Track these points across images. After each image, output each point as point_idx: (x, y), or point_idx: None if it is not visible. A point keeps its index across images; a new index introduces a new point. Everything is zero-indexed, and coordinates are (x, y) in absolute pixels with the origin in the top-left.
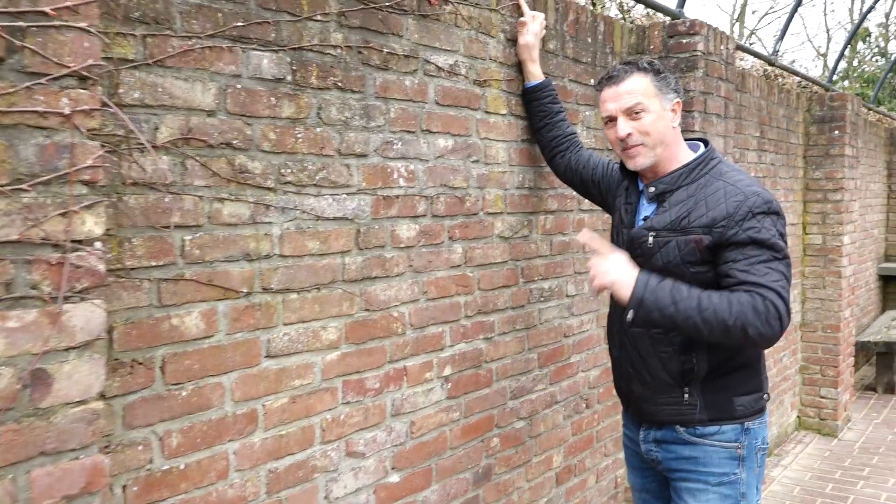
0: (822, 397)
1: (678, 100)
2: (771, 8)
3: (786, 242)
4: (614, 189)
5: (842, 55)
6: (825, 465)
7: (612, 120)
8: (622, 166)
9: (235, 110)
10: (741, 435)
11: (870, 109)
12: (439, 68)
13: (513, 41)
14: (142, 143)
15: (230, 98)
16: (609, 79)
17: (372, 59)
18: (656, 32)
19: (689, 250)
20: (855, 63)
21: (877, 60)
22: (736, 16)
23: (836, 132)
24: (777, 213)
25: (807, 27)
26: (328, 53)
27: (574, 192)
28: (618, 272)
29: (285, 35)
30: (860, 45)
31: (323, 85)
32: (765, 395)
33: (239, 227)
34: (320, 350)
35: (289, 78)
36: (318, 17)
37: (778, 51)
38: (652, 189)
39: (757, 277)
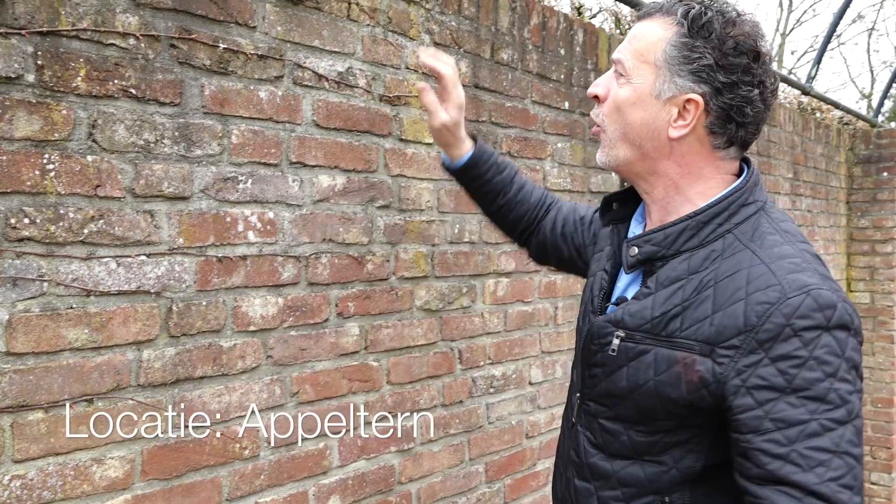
0: (872, 483)
1: (694, 96)
2: (811, 47)
3: (860, 379)
4: (595, 240)
5: (889, 88)
6: None
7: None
8: (606, 204)
9: None
10: None
11: None
12: (320, 76)
13: (443, 45)
14: None
15: None
16: (644, 8)
17: (196, 58)
18: None
19: (671, 378)
20: None
21: None
22: (774, 55)
23: (885, 174)
24: (846, 328)
25: (849, 67)
26: (111, 44)
27: None
28: None
29: (21, 12)
30: None
31: (101, 91)
32: None
33: None
34: (91, 496)
35: (29, 77)
36: None
37: (813, 77)
38: (633, 251)
39: (800, 474)
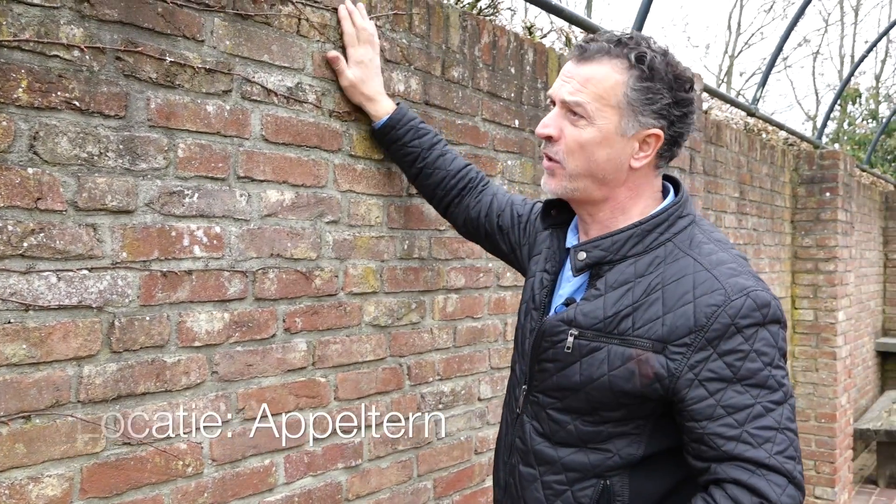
0: (816, 497)
1: (656, 131)
2: (758, 69)
3: (786, 361)
4: (531, 241)
5: (831, 110)
6: None
7: (552, 104)
8: (545, 208)
9: None
10: None
11: (863, 171)
12: (269, 91)
13: (394, 62)
14: None
15: None
16: (579, 49)
17: (142, 71)
18: None
19: (625, 373)
20: (846, 125)
21: (868, 122)
22: (723, 76)
23: (828, 194)
24: (777, 322)
25: (795, 89)
26: (55, 56)
27: (492, 264)
28: None
29: None
30: (850, 107)
31: (43, 103)
32: None
33: None
34: None
35: None
36: (36, 1)
37: (759, 98)
38: (582, 255)
39: (752, 451)
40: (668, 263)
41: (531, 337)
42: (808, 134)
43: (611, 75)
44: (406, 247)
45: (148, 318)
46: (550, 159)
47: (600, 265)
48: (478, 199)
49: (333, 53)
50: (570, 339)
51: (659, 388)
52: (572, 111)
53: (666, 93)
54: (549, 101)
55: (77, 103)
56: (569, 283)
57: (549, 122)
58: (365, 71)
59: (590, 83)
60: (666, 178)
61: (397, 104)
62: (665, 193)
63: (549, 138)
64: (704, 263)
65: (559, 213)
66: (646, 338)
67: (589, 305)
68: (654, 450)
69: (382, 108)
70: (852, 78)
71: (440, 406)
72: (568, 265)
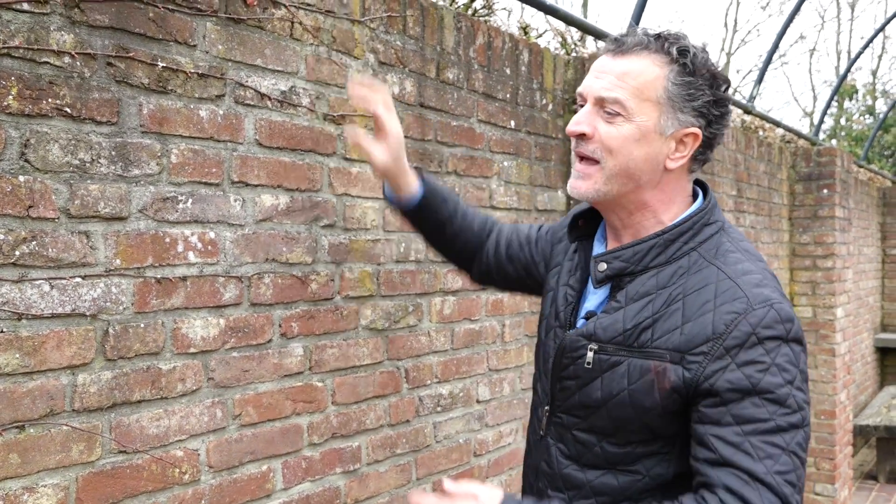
0: (816, 494)
1: (695, 130)
2: (755, 65)
3: (807, 387)
4: (547, 255)
5: (828, 107)
6: None
7: (583, 102)
8: (573, 221)
9: None
10: None
11: (861, 167)
12: (263, 95)
13: (388, 64)
14: None
15: None
16: (614, 42)
17: (134, 76)
18: None
19: (644, 386)
20: (843, 121)
21: (865, 118)
22: None
23: (825, 191)
24: (799, 342)
25: (792, 86)
26: (45, 62)
27: None
28: None
29: None
30: (847, 103)
31: (34, 110)
32: None
33: None
34: None
35: None
36: (25, 7)
37: (755, 96)
38: (602, 267)
39: (750, 461)
40: (692, 274)
41: (553, 353)
42: (806, 130)
43: (650, 69)
44: (402, 249)
45: (142, 326)
46: (584, 158)
47: (621, 277)
48: (486, 245)
49: (354, 135)
50: (590, 353)
51: (678, 398)
52: (607, 108)
53: (707, 90)
54: (578, 99)
55: (68, 110)
56: (594, 296)
57: (582, 119)
58: (401, 146)
59: (628, 77)
60: (694, 181)
61: (417, 170)
62: (695, 198)
63: (581, 136)
64: (728, 272)
65: (587, 223)
66: (664, 348)
67: (608, 319)
68: (684, 469)
69: (411, 179)
70: (849, 74)
71: (438, 409)
72: (591, 278)
